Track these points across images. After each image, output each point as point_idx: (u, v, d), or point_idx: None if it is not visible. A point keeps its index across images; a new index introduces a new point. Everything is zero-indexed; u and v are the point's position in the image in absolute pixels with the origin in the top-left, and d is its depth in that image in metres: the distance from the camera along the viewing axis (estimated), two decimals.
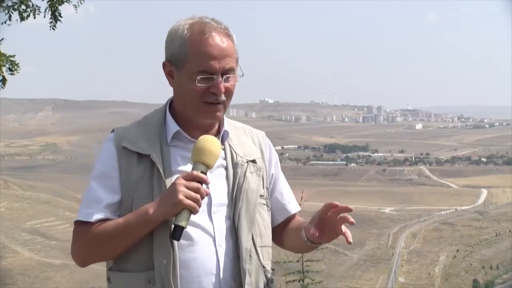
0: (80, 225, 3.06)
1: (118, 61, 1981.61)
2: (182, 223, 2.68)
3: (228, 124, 3.41)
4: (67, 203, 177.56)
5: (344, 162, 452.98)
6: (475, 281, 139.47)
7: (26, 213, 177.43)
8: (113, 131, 3.30)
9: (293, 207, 3.77)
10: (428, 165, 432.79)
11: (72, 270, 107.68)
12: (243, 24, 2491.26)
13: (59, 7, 13.22)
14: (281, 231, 3.70)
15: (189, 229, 2.80)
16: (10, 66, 12.41)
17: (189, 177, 2.75)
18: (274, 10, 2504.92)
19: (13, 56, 12.43)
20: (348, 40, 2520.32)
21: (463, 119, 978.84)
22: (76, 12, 13.51)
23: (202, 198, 2.78)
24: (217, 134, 3.22)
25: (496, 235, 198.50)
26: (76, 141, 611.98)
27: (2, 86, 12.76)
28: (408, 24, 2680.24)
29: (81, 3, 13.38)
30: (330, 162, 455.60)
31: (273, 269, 3.65)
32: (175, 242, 2.77)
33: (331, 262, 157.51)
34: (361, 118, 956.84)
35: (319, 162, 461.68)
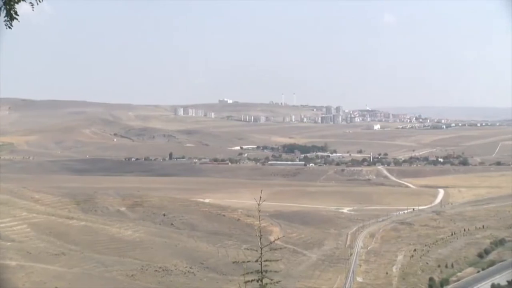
0: None
1: (77, 61, 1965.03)
2: None
3: None
4: (24, 203, 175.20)
5: (303, 162, 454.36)
6: (431, 279, 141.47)
7: None
8: None
9: None
10: (386, 165, 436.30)
11: (29, 272, 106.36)
12: (204, 23, 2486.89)
13: (15, 6, 13.12)
14: None
15: None
16: None
17: None
18: (233, 11, 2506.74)
19: None
20: (307, 41, 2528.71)
21: (421, 120, 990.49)
22: (33, 10, 13.41)
23: None
24: None
25: (452, 234, 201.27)
26: (34, 141, 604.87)
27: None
28: (366, 24, 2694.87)
29: (38, 2, 13.29)
30: (289, 162, 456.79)
31: None
32: None
33: (290, 262, 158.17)
34: (319, 118, 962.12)
35: (278, 162, 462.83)
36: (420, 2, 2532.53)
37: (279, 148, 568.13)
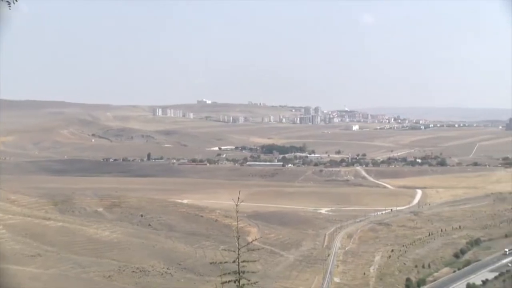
0: None
1: (56, 61, 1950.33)
2: None
3: None
4: (1, 204, 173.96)
5: (281, 163, 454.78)
6: (408, 280, 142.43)
7: None
8: None
9: None
10: (364, 166, 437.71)
11: (3, 274, 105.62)
12: (181, 24, 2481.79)
13: None
14: None
15: None
16: None
17: None
18: (210, 10, 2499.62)
19: None
20: (286, 40, 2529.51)
21: (399, 121, 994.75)
22: (9, 8, 13.51)
23: None
24: None
25: (429, 234, 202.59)
26: (11, 142, 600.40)
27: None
28: (345, 25, 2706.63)
29: (15, 2, 13.40)
30: (267, 163, 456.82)
31: None
32: None
33: (267, 262, 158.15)
34: (298, 119, 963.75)
35: (256, 163, 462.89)
36: (401, 2, 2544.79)
37: (258, 148, 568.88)
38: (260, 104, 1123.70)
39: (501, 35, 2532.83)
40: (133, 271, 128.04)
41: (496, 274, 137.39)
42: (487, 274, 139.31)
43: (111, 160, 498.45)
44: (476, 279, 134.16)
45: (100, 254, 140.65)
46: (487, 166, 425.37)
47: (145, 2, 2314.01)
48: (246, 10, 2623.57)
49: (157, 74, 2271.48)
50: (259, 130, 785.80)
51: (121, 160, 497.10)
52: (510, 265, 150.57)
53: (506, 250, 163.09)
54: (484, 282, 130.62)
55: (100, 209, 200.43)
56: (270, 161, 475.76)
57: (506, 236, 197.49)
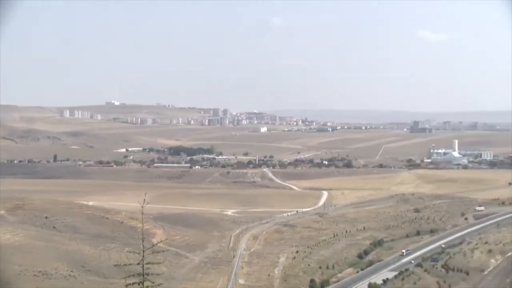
0: None
1: None
2: None
3: None
4: None
5: (189, 165, 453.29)
6: (312, 281, 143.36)
7: None
8: None
9: None
10: (271, 167, 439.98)
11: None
12: (90, 24, 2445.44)
13: None
14: None
15: None
16: None
17: None
18: (112, 10, 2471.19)
19: None
20: (196, 42, 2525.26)
21: (307, 123, 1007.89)
22: None
23: None
24: None
25: (334, 236, 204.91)
26: None
27: None
28: (253, 26, 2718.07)
29: None
30: (175, 165, 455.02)
31: None
32: None
33: (172, 264, 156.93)
34: (207, 121, 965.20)
35: (164, 164, 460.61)
36: (306, 6, 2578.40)
37: (165, 150, 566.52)
38: (168, 105, 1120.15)
39: (401, 44, 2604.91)
40: (35, 275, 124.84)
41: (396, 273, 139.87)
42: (388, 273, 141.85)
43: (15, 162, 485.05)
44: (378, 278, 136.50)
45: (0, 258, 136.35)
46: (392, 168, 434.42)
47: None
48: (151, 11, 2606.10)
49: (66, 75, 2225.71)
50: (167, 131, 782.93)
51: (27, 161, 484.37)
52: (413, 262, 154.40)
53: (404, 251, 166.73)
54: (385, 281, 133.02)
55: (2, 212, 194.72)
56: (177, 162, 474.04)
57: (407, 236, 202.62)
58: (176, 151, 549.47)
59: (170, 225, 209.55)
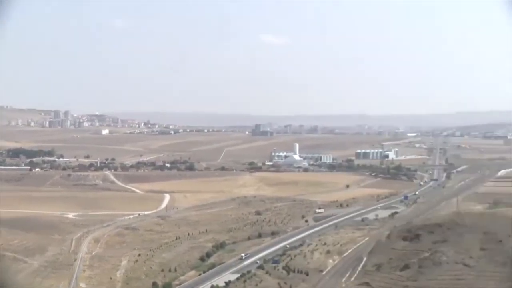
0: None
1: None
2: None
3: None
4: None
5: (29, 167, 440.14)
6: (154, 284, 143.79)
7: None
8: None
9: None
10: (113, 170, 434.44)
11: None
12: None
13: None
14: None
15: None
16: None
17: None
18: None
19: None
20: (35, 41, 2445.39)
21: (149, 125, 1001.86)
22: None
23: None
24: None
25: (176, 238, 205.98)
26: None
27: None
28: (93, 26, 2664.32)
29: None
30: (14, 167, 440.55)
31: None
32: None
33: (9, 270, 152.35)
34: (48, 122, 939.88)
35: (2, 167, 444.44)
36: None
37: (4, 152, 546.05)
38: (7, 106, 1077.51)
39: (245, 47, 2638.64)
40: None
41: (238, 275, 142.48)
42: (230, 275, 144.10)
43: None
44: (220, 281, 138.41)
45: None
46: (234, 171, 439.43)
47: None
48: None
49: None
50: (5, 133, 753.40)
51: None
52: (258, 262, 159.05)
53: (243, 255, 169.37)
54: (227, 283, 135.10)
55: None
56: (16, 165, 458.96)
57: (249, 238, 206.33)
58: (15, 153, 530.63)
59: (7, 229, 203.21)
